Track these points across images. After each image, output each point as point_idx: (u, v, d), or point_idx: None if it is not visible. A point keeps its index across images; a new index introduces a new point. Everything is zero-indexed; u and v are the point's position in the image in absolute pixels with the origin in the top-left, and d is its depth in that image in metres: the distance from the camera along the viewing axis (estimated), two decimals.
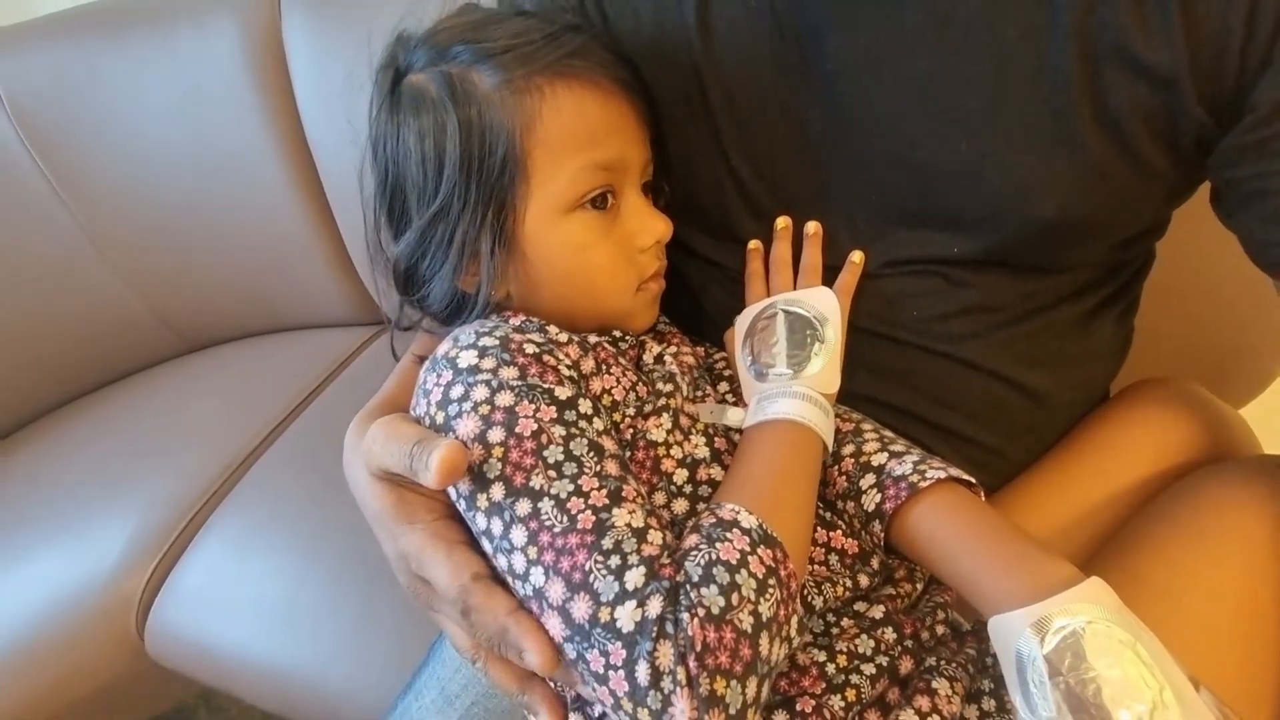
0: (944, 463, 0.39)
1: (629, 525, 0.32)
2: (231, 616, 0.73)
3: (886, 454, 0.40)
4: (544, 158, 0.40)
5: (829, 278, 0.46)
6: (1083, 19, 0.36)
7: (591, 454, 0.34)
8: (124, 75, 0.95)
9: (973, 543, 0.35)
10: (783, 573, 0.33)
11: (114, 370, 1.08)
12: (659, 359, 0.45)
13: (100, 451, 0.92)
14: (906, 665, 0.38)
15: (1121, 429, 0.51)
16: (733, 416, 0.42)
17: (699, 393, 0.44)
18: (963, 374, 0.46)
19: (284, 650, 0.69)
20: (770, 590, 0.32)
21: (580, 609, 0.31)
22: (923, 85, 0.40)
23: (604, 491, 0.33)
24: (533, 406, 0.35)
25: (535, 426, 0.34)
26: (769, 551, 0.33)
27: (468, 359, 0.37)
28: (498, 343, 0.37)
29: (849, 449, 0.41)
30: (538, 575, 0.32)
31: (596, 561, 0.31)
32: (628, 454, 0.38)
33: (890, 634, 0.38)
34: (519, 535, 0.33)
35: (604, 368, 0.40)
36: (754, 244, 0.48)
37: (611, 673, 0.30)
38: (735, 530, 0.33)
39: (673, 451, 0.39)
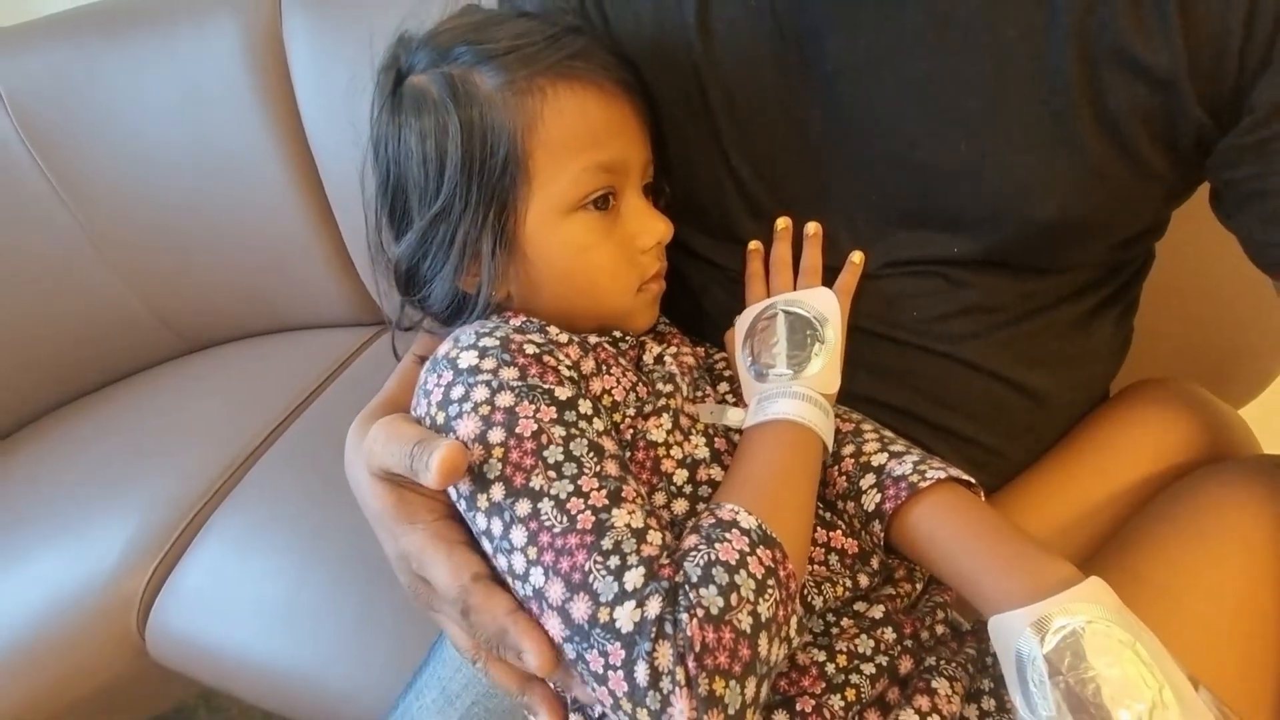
0: (944, 463, 0.39)
1: (628, 526, 0.32)
2: (232, 616, 0.73)
3: (886, 454, 0.40)
4: (545, 159, 0.40)
5: (829, 278, 0.46)
6: (1082, 20, 0.36)
7: (591, 454, 0.34)
8: (124, 75, 0.95)
9: (972, 542, 0.35)
10: (782, 573, 0.33)
11: (114, 370, 1.08)
12: (659, 359, 0.45)
13: (100, 451, 0.92)
14: (906, 665, 0.38)
15: (1121, 429, 0.51)
16: (733, 417, 0.42)
17: (699, 393, 0.44)
18: (963, 374, 0.46)
19: (284, 650, 0.69)
20: (769, 590, 0.32)
21: (579, 609, 0.31)
22: (923, 86, 0.40)
23: (604, 492, 0.33)
24: (533, 407, 0.35)
25: (535, 427, 0.34)
26: (768, 552, 0.33)
27: (468, 359, 0.37)
28: (498, 343, 0.37)
29: (849, 449, 0.41)
30: (537, 575, 0.32)
31: (596, 562, 0.31)
32: (628, 454, 0.38)
33: (890, 634, 0.38)
34: (519, 535, 0.33)
35: (604, 368, 0.40)
36: (754, 245, 0.48)
37: (611, 673, 0.30)
38: (734, 531, 0.33)
39: (673, 452, 0.39)
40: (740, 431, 0.41)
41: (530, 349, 0.37)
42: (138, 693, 0.83)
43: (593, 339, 0.42)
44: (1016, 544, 0.35)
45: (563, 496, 0.33)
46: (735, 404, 0.44)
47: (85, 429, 0.98)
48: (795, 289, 0.46)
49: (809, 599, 0.38)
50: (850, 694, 0.36)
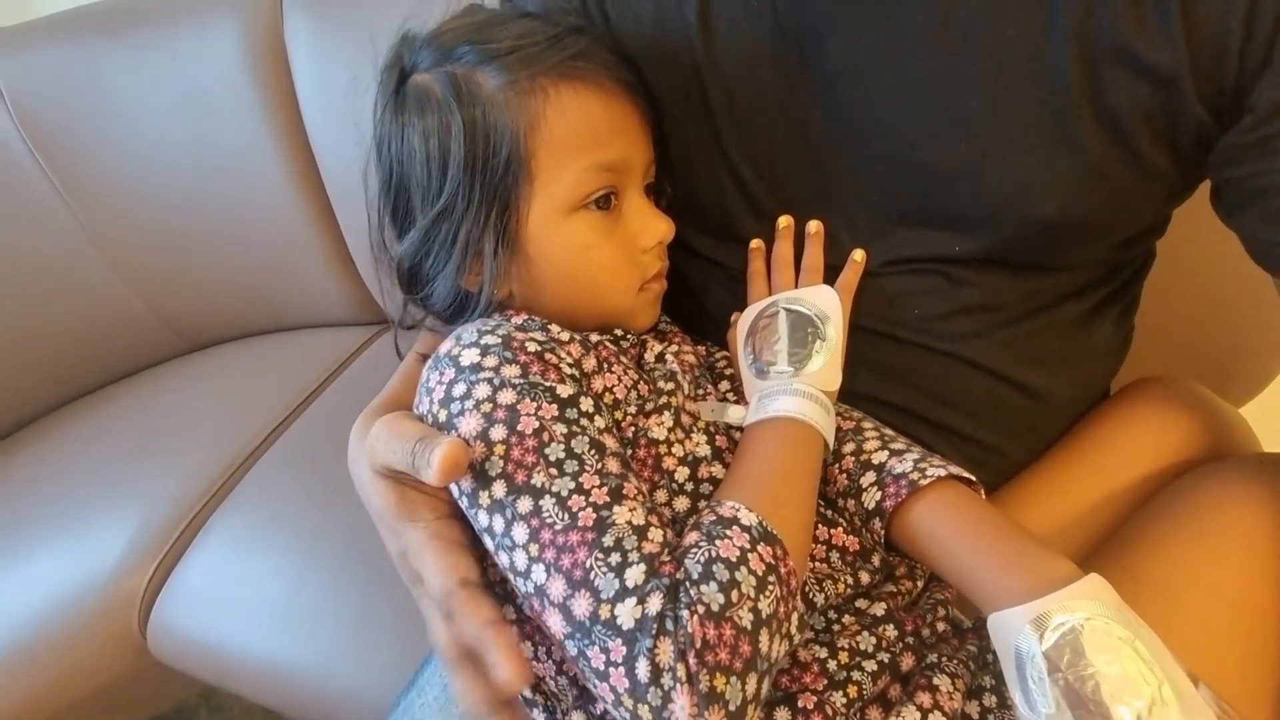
0: (944, 461, 0.39)
1: (630, 523, 0.32)
2: (234, 615, 0.73)
3: (887, 452, 0.40)
4: (548, 158, 0.40)
5: (830, 276, 0.46)
6: (1082, 20, 0.36)
7: (593, 452, 0.35)
8: (125, 75, 0.95)
9: (973, 540, 0.35)
10: (783, 570, 0.33)
11: (114, 370, 1.08)
12: (660, 358, 0.45)
13: (101, 451, 0.92)
14: (908, 662, 0.38)
15: (1121, 427, 0.51)
16: (734, 414, 0.42)
17: (700, 391, 0.44)
18: (963, 373, 0.46)
19: (286, 648, 0.69)
20: (770, 587, 0.32)
21: (581, 606, 0.31)
22: (923, 86, 0.41)
23: (605, 489, 0.33)
24: (534, 404, 0.35)
25: (537, 424, 0.34)
26: (769, 549, 0.33)
27: (470, 357, 0.37)
28: (500, 341, 0.37)
29: (850, 447, 0.41)
30: (539, 572, 0.32)
31: (597, 559, 0.31)
32: (629, 452, 0.38)
33: (891, 631, 0.38)
34: (520, 532, 0.33)
35: (605, 366, 0.40)
36: (756, 243, 0.49)
37: (612, 669, 0.30)
38: (735, 528, 0.33)
39: (674, 449, 0.39)
40: (741, 429, 0.42)
41: (532, 347, 0.37)
42: (139, 692, 0.83)
43: (594, 337, 0.42)
44: (1016, 541, 0.35)
45: (564, 494, 0.33)
46: (736, 402, 0.44)
47: (85, 429, 0.98)
48: (797, 287, 0.46)
49: (810, 596, 0.38)
50: (852, 691, 0.36)
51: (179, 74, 0.94)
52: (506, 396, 0.35)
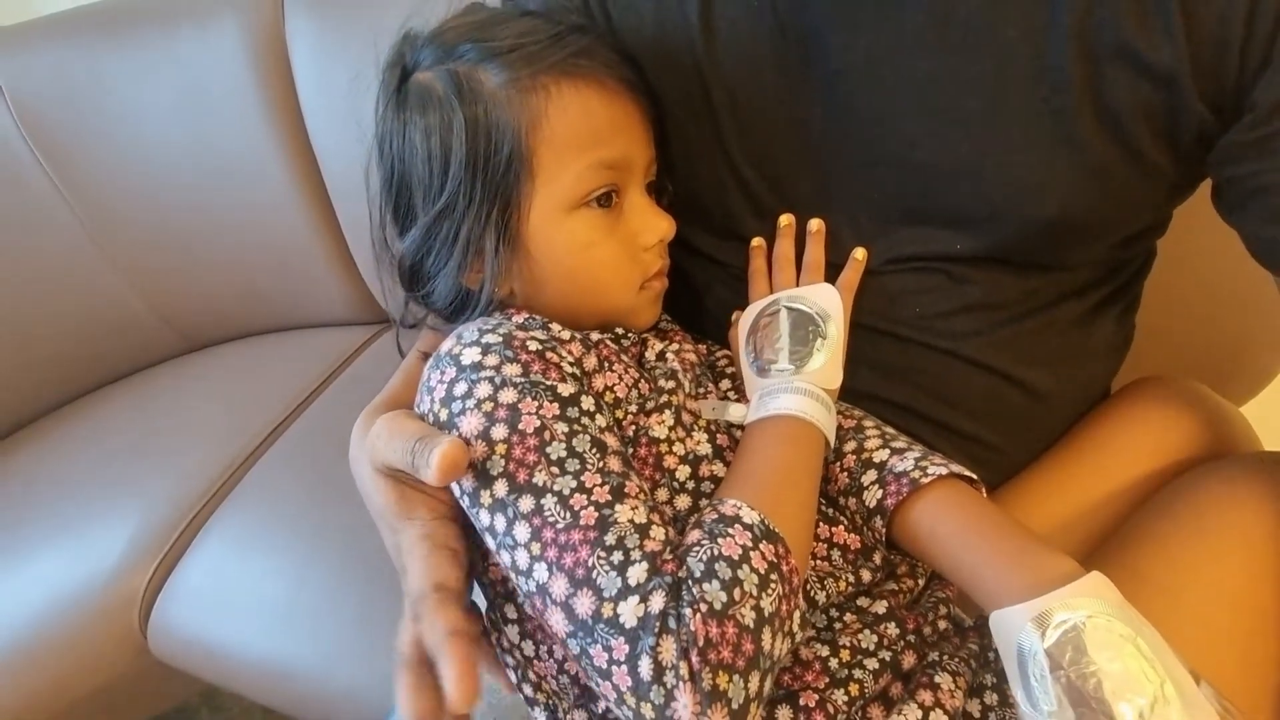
0: (945, 459, 0.39)
1: (631, 521, 0.32)
2: (234, 615, 0.73)
3: (888, 450, 0.40)
4: (549, 156, 0.40)
5: (832, 274, 0.46)
6: (1083, 19, 0.36)
7: (594, 450, 0.35)
8: (126, 75, 0.95)
9: (974, 538, 0.35)
10: (785, 568, 0.33)
11: (114, 370, 1.08)
12: (661, 356, 0.45)
13: (101, 451, 0.92)
14: (909, 660, 0.38)
15: (1122, 426, 0.51)
16: (735, 412, 0.42)
17: (701, 389, 0.44)
18: (964, 371, 0.46)
19: (286, 648, 0.69)
20: (772, 585, 0.32)
21: (583, 605, 0.31)
22: (923, 85, 0.41)
23: (606, 488, 0.33)
24: (535, 403, 0.35)
25: (538, 423, 0.34)
26: (771, 547, 0.33)
27: (471, 356, 0.37)
28: (501, 340, 0.37)
29: (851, 445, 0.41)
30: (541, 571, 0.32)
31: (599, 557, 0.31)
32: (630, 451, 0.38)
33: (893, 629, 0.38)
34: (522, 531, 0.33)
35: (606, 365, 0.40)
36: (757, 241, 0.49)
37: (615, 668, 0.30)
38: (737, 526, 0.33)
39: (675, 448, 0.39)
40: (742, 427, 0.42)
41: (533, 345, 0.37)
42: (139, 691, 0.83)
43: (595, 336, 0.42)
44: (1018, 539, 0.35)
45: (566, 492, 0.33)
46: (737, 400, 0.44)
47: (85, 429, 0.98)
48: (798, 285, 0.46)
49: (811, 594, 0.38)
50: (853, 689, 0.36)
51: (180, 74, 0.94)
52: (508, 395, 0.35)
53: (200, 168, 0.96)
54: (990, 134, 0.40)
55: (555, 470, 0.33)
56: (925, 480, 0.37)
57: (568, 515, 0.32)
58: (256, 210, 0.98)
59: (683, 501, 0.38)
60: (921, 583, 0.43)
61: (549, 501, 0.33)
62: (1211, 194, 0.41)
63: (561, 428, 0.35)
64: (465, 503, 0.35)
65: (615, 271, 0.44)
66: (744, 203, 0.48)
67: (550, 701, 0.39)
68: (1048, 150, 0.39)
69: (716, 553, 0.32)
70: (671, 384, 0.42)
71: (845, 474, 0.41)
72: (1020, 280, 0.44)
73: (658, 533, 0.33)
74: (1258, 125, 0.35)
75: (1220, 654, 0.38)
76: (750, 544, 0.32)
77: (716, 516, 0.34)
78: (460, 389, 0.36)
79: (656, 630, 0.29)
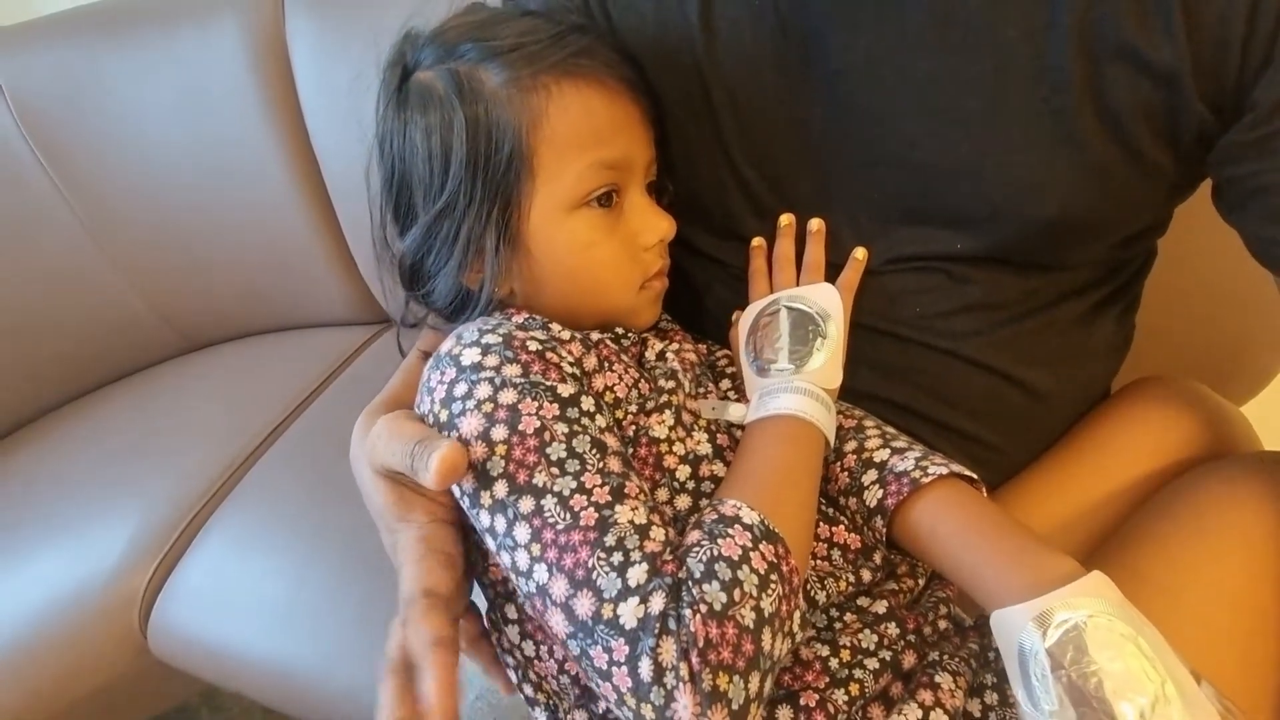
0: (946, 459, 0.39)
1: (631, 522, 0.32)
2: (234, 614, 0.73)
3: (888, 450, 0.40)
4: (550, 156, 0.40)
5: (832, 274, 0.46)
6: (1083, 18, 0.36)
7: (594, 451, 0.35)
8: (127, 75, 0.95)
9: (974, 538, 0.35)
10: (784, 568, 0.33)
11: (115, 369, 1.08)
12: (661, 356, 0.45)
13: (101, 451, 0.92)
14: (909, 660, 0.38)
15: (1122, 426, 0.51)
16: (734, 412, 0.42)
17: (701, 389, 0.44)
18: (964, 371, 0.46)
19: (286, 648, 0.69)
20: (772, 586, 0.32)
21: (583, 605, 0.31)
22: (923, 85, 0.41)
23: (606, 488, 0.33)
24: (535, 404, 0.35)
25: (538, 424, 0.34)
26: (770, 547, 0.33)
27: (471, 356, 0.37)
28: (501, 340, 0.37)
29: (851, 445, 0.41)
30: (541, 572, 0.32)
31: (599, 558, 0.31)
32: (630, 451, 0.38)
33: (893, 629, 0.38)
34: (522, 532, 0.33)
35: (606, 365, 0.40)
36: (757, 241, 0.49)
37: (615, 669, 0.30)
38: (737, 526, 0.33)
39: (675, 448, 0.39)
40: (742, 427, 0.42)
41: (533, 346, 0.37)
42: (140, 691, 0.83)
43: (595, 336, 0.42)
44: (1018, 539, 0.35)
45: (566, 493, 0.33)
46: (737, 400, 0.44)
47: (85, 429, 0.97)
48: (798, 285, 0.46)
49: (812, 594, 0.38)
50: (854, 688, 0.36)
51: (180, 74, 0.94)
52: (508, 396, 0.35)
53: (200, 168, 0.96)
54: (990, 134, 0.40)
55: (555, 471, 0.33)
56: (926, 480, 0.37)
57: (568, 516, 0.32)
58: (256, 210, 0.98)
59: (683, 501, 0.38)
60: (922, 582, 0.43)
61: (549, 502, 0.33)
62: (1212, 194, 0.41)
63: (561, 428, 0.35)
64: (465, 504, 0.35)
65: (615, 271, 0.44)
66: (744, 202, 0.48)
67: (550, 702, 0.39)
68: (1048, 150, 0.39)
69: (716, 553, 0.32)
70: (671, 384, 0.42)
71: (846, 474, 0.41)
72: (1020, 280, 0.44)
73: (658, 533, 0.33)
74: (1258, 125, 0.35)
75: (1220, 654, 0.38)
76: (750, 544, 0.32)
77: (716, 517, 0.34)
78: (460, 390, 0.36)
79: (656, 631, 0.29)
